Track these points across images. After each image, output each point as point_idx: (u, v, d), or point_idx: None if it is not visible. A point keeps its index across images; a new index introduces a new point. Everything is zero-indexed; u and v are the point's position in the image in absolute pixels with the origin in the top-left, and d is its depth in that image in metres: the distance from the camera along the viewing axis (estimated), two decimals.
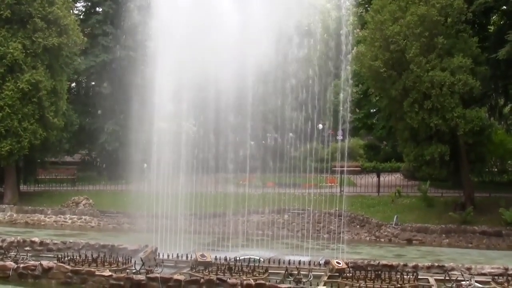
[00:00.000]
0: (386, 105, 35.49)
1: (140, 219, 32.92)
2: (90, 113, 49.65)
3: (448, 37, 31.17)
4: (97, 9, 50.38)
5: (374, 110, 52.12)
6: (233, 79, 24.48)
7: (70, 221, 34.06)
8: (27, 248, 22.28)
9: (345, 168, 27.14)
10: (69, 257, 19.14)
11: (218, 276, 16.72)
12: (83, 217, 34.22)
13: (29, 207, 35.43)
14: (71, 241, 23.38)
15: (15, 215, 34.63)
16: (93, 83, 51.82)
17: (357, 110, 54.15)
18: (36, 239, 23.20)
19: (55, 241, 23.31)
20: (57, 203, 36.70)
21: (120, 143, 47.75)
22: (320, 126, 29.81)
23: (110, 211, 35.10)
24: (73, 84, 50.00)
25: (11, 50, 34.30)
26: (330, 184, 33.69)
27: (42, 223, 33.93)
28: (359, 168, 46.91)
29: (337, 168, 29.05)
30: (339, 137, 47.53)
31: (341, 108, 27.03)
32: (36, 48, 35.15)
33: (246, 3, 25.36)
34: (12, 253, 20.15)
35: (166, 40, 24.57)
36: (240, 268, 17.73)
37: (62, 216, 34.37)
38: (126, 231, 32.31)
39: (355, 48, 26.26)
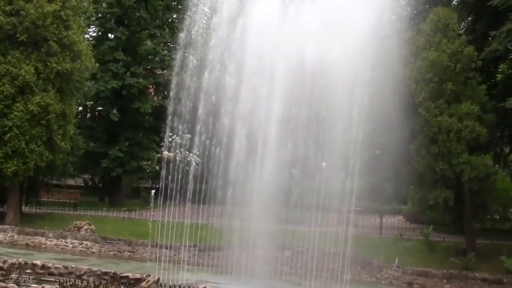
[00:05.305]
0: (391, 147, 35.56)
1: (141, 248, 33.02)
2: (94, 138, 49.72)
3: (457, 84, 31.40)
4: (109, 35, 50.73)
5: (378, 151, 52.07)
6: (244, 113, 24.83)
7: (71, 245, 33.88)
8: (29, 271, 22.23)
9: (351, 208, 27.12)
10: (71, 283, 19.15)
11: None
12: (85, 242, 34.04)
13: (31, 229, 35.20)
14: (73, 266, 23.30)
15: (16, 236, 34.47)
16: (100, 108, 51.91)
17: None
18: (38, 262, 23.09)
19: (57, 265, 23.23)
20: (58, 226, 36.53)
21: (124, 170, 47.81)
22: (324, 164, 29.80)
23: (111, 238, 34.94)
24: (80, 108, 50.04)
25: (23, 73, 34.42)
26: (331, 223, 33.53)
27: (43, 246, 33.73)
28: (361, 209, 46.72)
29: (340, 208, 28.99)
30: (342, 177, 47.42)
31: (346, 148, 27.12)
32: (48, 72, 35.17)
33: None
34: (14, 275, 20.15)
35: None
36: None
37: (63, 240, 34.16)
38: (126, 258, 32.26)
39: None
